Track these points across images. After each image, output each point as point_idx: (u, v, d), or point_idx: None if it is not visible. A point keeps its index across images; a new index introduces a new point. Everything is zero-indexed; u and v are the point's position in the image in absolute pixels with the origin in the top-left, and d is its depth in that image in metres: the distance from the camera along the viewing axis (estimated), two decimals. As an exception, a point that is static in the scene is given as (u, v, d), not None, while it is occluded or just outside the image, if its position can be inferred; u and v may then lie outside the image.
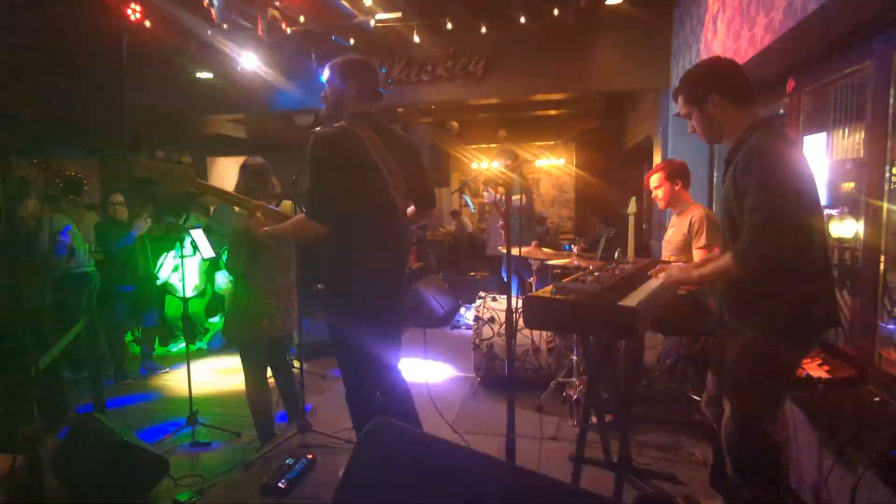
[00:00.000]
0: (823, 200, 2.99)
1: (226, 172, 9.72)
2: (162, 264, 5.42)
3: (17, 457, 1.84)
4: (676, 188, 3.26)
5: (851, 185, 2.98)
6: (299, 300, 3.26)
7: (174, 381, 4.86)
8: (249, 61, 6.04)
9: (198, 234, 4.26)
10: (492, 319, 4.14)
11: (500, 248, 4.54)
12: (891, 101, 2.52)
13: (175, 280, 5.37)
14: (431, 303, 6.35)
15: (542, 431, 3.21)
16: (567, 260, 3.67)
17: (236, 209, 2.81)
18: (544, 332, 3.97)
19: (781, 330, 1.83)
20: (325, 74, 2.38)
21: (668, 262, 2.56)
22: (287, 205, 3.09)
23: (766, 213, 1.72)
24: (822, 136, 3.24)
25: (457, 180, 13.17)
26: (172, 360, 5.47)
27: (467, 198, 9.75)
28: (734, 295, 1.98)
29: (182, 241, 4.09)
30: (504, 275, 4.86)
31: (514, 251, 2.64)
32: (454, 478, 1.06)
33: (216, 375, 4.99)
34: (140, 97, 5.69)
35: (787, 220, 1.72)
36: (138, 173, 2.44)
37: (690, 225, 3.15)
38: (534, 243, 3.98)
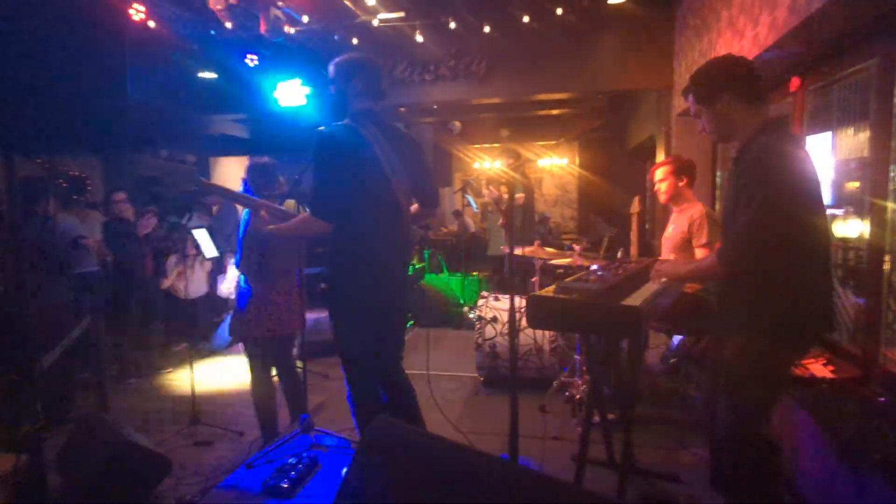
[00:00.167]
0: (827, 200, 2.97)
1: (229, 172, 9.73)
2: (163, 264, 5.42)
3: (20, 455, 1.85)
4: (681, 184, 3.25)
5: (856, 184, 2.97)
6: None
7: (177, 380, 4.86)
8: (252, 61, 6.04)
9: (201, 234, 4.26)
10: (494, 319, 4.13)
11: (502, 247, 4.54)
12: (895, 100, 2.51)
13: (179, 280, 5.37)
14: (432, 302, 6.35)
15: (545, 431, 3.20)
16: (570, 259, 3.67)
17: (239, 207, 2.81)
18: (547, 332, 3.96)
19: (775, 331, 1.83)
20: (330, 73, 2.38)
21: (668, 261, 2.56)
22: (290, 203, 3.09)
23: (757, 211, 1.72)
24: (827, 135, 3.23)
25: (459, 180, 13.16)
26: (175, 359, 5.47)
27: (470, 197, 9.73)
28: (731, 295, 1.97)
29: (185, 241, 4.10)
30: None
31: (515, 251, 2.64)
32: (457, 478, 1.05)
33: (219, 375, 4.99)
34: (144, 96, 5.69)
35: (777, 219, 1.71)
36: (143, 172, 2.45)
37: (691, 223, 3.14)
38: (536, 243, 3.98)
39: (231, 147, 9.39)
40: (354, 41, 6.21)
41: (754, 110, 1.93)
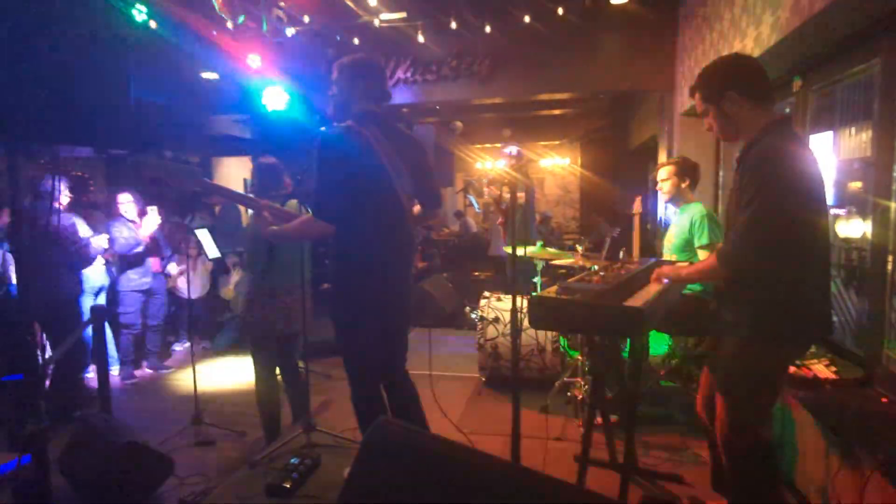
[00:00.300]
0: (830, 201, 2.97)
1: (231, 172, 9.75)
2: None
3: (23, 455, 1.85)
4: (683, 185, 3.26)
5: (859, 184, 2.96)
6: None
7: (179, 380, 4.87)
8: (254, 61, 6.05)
9: (203, 235, 4.26)
10: (496, 319, 4.13)
11: (503, 248, 4.53)
12: (898, 99, 2.51)
13: (181, 280, 5.38)
14: (436, 302, 6.35)
15: (547, 431, 3.20)
16: (572, 260, 3.67)
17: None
18: (549, 332, 3.96)
19: (773, 332, 1.83)
20: (333, 74, 2.38)
21: (671, 262, 2.55)
22: (292, 204, 3.10)
23: (757, 212, 1.71)
24: (829, 135, 3.23)
25: (461, 180, 13.16)
26: (177, 359, 5.48)
27: (472, 198, 9.73)
28: (729, 295, 1.97)
29: (187, 241, 4.10)
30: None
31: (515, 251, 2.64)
32: (459, 478, 1.05)
33: (221, 375, 5.00)
34: (147, 96, 5.70)
35: (777, 220, 1.71)
36: (146, 173, 2.46)
37: (692, 224, 3.14)
38: (538, 243, 3.97)
39: (233, 147, 9.39)
40: (356, 41, 6.21)
41: (761, 110, 1.92)
